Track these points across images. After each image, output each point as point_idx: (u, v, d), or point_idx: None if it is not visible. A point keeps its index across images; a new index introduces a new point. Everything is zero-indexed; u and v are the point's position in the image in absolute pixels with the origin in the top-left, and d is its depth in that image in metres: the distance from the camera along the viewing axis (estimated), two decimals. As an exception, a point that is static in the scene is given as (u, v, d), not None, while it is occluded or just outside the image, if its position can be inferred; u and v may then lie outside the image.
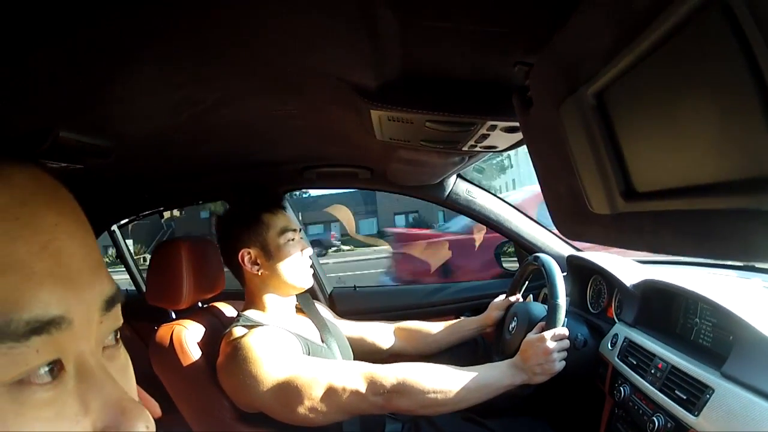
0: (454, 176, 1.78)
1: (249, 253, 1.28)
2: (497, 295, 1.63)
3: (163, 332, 1.26)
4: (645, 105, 0.42)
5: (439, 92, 0.81)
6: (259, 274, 1.28)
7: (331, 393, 1.09)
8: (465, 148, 1.04)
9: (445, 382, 1.13)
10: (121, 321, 0.36)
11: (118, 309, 0.35)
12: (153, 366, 1.28)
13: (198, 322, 1.32)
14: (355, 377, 1.11)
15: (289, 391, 1.09)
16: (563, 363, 1.22)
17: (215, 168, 1.55)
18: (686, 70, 0.35)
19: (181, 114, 0.93)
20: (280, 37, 0.65)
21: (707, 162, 0.36)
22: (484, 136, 0.94)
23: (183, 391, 1.26)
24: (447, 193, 1.82)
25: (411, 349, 1.60)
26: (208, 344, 1.27)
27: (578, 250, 1.84)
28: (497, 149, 1.06)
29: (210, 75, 0.78)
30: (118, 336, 0.36)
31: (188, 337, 1.25)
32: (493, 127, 0.88)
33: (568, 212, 0.64)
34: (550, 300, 1.29)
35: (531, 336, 1.25)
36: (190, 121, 0.98)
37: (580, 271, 1.66)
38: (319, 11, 0.57)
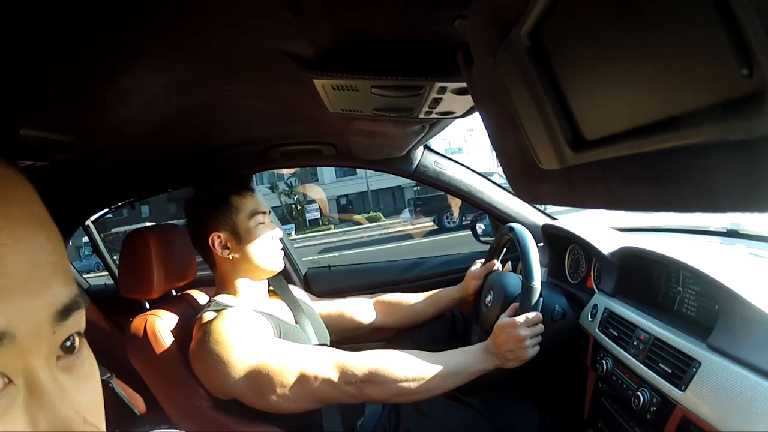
0: (421, 148, 1.70)
1: (219, 236, 1.23)
2: None
3: (137, 323, 1.23)
4: (583, 39, 0.35)
5: (380, 55, 0.75)
6: (230, 258, 1.24)
7: (302, 381, 1.04)
8: (421, 116, 0.97)
9: (417, 369, 1.08)
10: (82, 326, 0.32)
11: (77, 316, 0.31)
12: (129, 358, 1.24)
13: (171, 311, 1.28)
14: (326, 366, 1.06)
15: (260, 379, 1.05)
16: (536, 349, 1.15)
17: (181, 155, 1.49)
18: None
19: (130, 104, 0.90)
20: (207, 14, 0.61)
21: (656, 95, 0.29)
22: (437, 101, 0.87)
23: (159, 381, 1.23)
24: (415, 166, 1.74)
25: (392, 321, 1.54)
26: (182, 332, 1.23)
27: (553, 218, 1.77)
28: (455, 115, 0.99)
29: (150, 61, 0.74)
30: (76, 343, 0.32)
31: (161, 326, 1.21)
32: (443, 90, 0.81)
33: (521, 172, 0.57)
34: (524, 281, 1.22)
35: (503, 320, 1.18)
36: (141, 110, 0.94)
37: (556, 241, 1.59)
38: None
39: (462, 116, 0.99)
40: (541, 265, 1.43)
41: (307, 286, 1.92)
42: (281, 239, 1.33)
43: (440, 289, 1.58)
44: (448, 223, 11.87)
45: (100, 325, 2.00)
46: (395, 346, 1.20)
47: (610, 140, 0.36)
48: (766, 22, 0.20)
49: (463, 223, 11.22)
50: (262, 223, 1.26)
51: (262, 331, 1.13)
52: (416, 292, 1.61)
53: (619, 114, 0.34)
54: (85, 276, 2.30)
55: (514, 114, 0.48)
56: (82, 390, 0.31)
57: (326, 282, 1.96)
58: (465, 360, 1.14)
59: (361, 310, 1.54)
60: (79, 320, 0.31)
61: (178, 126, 1.17)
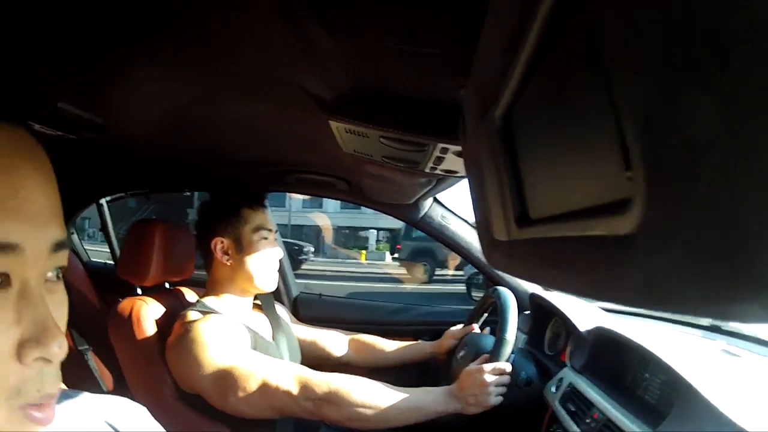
0: (431, 200, 1.75)
1: (222, 242, 1.29)
2: (460, 323, 1.59)
3: (124, 305, 1.29)
4: (539, 127, 0.39)
5: (391, 109, 0.81)
6: (227, 264, 1.29)
7: (264, 389, 1.08)
8: (426, 170, 1.02)
9: (376, 398, 1.10)
10: (65, 263, 0.41)
11: (64, 253, 0.40)
12: (110, 335, 1.30)
13: (160, 301, 1.34)
14: (289, 378, 1.10)
15: (225, 380, 1.09)
16: (499, 398, 1.17)
17: (201, 159, 1.56)
18: (560, 92, 0.33)
19: (155, 104, 0.97)
20: (239, 42, 0.66)
21: (579, 187, 0.33)
22: (440, 159, 0.92)
23: (132, 362, 1.28)
24: (421, 215, 1.79)
25: (361, 361, 1.57)
26: (164, 323, 1.28)
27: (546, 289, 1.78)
28: (459, 174, 1.04)
29: (184, 74, 0.81)
30: (60, 275, 0.41)
31: (146, 312, 1.27)
32: (445, 150, 0.86)
33: (484, 239, 0.62)
34: (498, 334, 1.25)
35: (471, 366, 1.20)
36: (165, 112, 1.02)
37: (542, 311, 1.61)
38: (256, 21, 0.59)
39: (465, 176, 1.04)
40: (521, 332, 1.44)
41: (296, 309, 1.96)
42: (280, 260, 1.38)
43: (416, 342, 1.61)
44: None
45: (91, 299, 2.04)
46: None
47: (547, 221, 0.40)
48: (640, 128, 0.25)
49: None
50: (266, 239, 1.31)
51: (238, 339, 1.18)
52: (399, 336, 1.65)
53: (556, 198, 0.39)
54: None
55: (484, 185, 0.54)
56: (56, 308, 0.39)
57: (315, 309, 1.99)
58: (426, 398, 1.16)
59: (335, 343, 1.58)
60: (64, 257, 0.40)
61: (200, 133, 1.23)
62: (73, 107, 0.94)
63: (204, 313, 1.21)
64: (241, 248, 1.29)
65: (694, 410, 0.80)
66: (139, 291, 1.41)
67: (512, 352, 1.25)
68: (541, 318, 1.60)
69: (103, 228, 2.16)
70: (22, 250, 0.36)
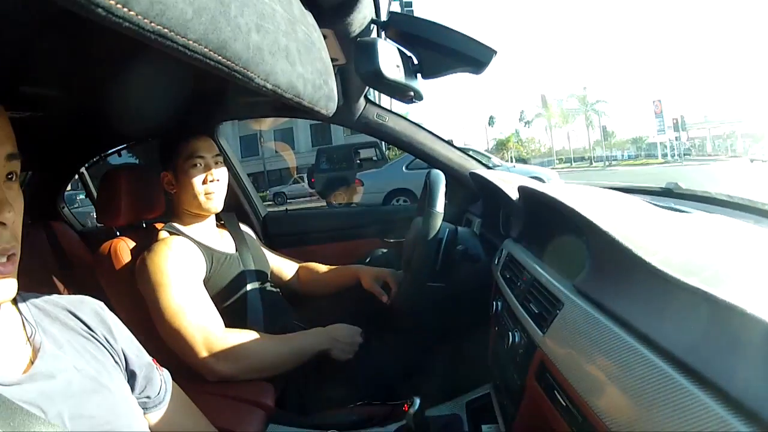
0: (363, 100, 1.72)
1: (167, 175, 1.42)
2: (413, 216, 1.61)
3: (104, 246, 1.41)
4: None
5: None
6: (174, 193, 1.43)
7: (178, 333, 1.20)
8: None
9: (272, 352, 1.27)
10: (17, 169, 0.60)
11: (15, 162, 0.59)
12: (97, 275, 1.41)
13: (134, 238, 1.44)
14: (197, 328, 1.21)
15: (160, 306, 1.22)
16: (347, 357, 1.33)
17: (154, 110, 1.57)
18: None
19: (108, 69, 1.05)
20: None
21: None
22: None
23: (115, 294, 1.38)
24: (356, 117, 1.76)
25: (305, 288, 1.72)
26: (139, 253, 1.37)
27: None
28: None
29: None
30: (13, 178, 0.60)
31: (122, 247, 1.39)
32: None
33: None
34: (426, 208, 1.25)
35: (348, 326, 1.39)
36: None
37: (490, 195, 1.57)
38: None
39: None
40: (475, 216, 1.42)
41: (265, 227, 2.03)
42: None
43: (345, 266, 1.68)
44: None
45: (87, 260, 2.04)
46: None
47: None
48: None
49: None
50: (198, 165, 1.38)
51: (191, 265, 1.31)
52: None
53: None
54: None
55: None
56: (13, 200, 0.58)
57: (283, 225, 2.07)
58: (302, 340, 1.33)
59: (288, 271, 1.72)
60: (16, 164, 0.60)
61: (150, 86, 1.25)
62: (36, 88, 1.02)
63: (171, 233, 1.37)
64: (178, 178, 1.40)
65: (612, 259, 0.70)
66: (117, 234, 1.49)
67: (447, 229, 1.26)
68: (494, 201, 1.57)
69: (88, 194, 2.28)
70: None
